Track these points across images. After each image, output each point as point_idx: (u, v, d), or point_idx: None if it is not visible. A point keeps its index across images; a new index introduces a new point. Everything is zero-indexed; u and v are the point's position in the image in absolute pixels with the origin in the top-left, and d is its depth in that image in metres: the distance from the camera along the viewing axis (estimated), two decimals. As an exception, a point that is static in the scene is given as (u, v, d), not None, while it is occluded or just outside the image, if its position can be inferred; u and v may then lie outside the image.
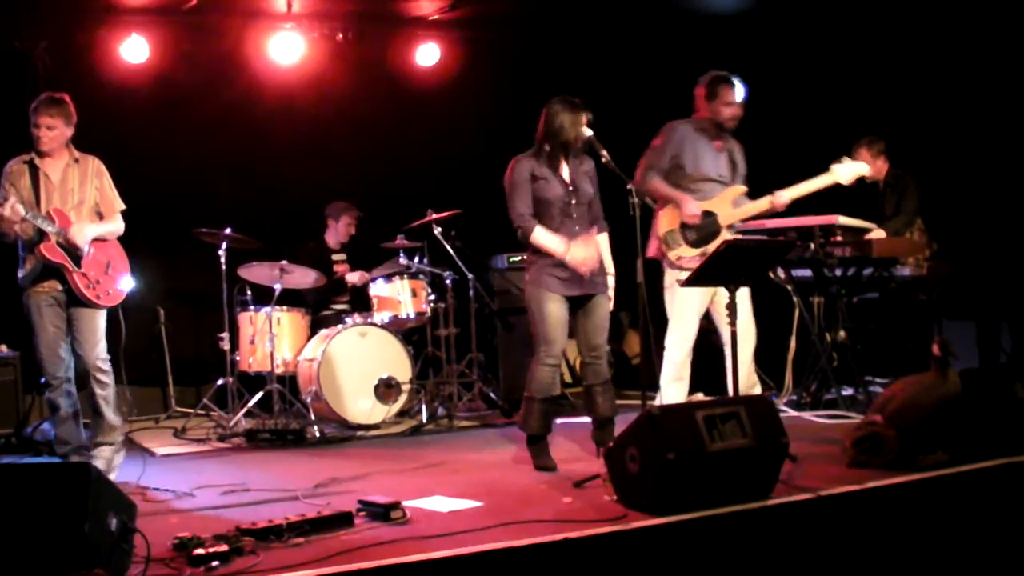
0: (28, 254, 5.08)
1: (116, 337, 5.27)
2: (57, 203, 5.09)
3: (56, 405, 5.13)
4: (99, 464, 4.90)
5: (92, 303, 5.11)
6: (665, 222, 5.75)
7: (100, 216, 5.26)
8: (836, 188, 5.98)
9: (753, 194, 5.82)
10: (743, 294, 5.69)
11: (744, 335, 5.66)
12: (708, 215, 5.68)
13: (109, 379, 5.21)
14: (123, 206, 5.35)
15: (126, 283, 5.28)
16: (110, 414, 5.21)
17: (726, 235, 5.65)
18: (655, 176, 5.73)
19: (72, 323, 5.13)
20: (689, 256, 5.64)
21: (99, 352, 5.18)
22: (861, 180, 7.04)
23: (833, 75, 7.96)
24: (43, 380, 5.22)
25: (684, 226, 5.69)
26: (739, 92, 5.77)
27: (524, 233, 4.96)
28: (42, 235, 5.01)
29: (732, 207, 5.73)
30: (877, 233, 6.47)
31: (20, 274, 5.11)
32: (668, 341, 5.78)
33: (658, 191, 5.71)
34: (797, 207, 6.11)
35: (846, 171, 5.74)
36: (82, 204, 5.16)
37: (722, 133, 5.82)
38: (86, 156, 5.24)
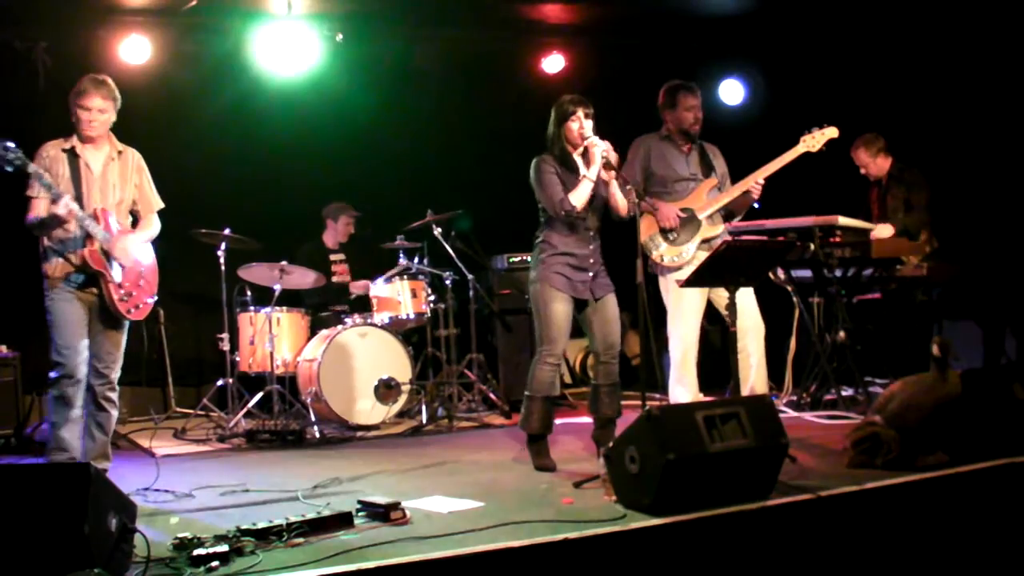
0: (66, 253, 4.66)
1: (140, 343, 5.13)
2: (97, 198, 4.72)
3: (70, 402, 4.62)
4: None
5: (122, 316, 4.75)
6: (644, 228, 5.78)
7: (133, 216, 4.92)
8: (835, 188, 5.98)
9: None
10: (749, 295, 5.70)
11: (753, 335, 5.68)
12: (686, 211, 5.73)
13: (116, 403, 4.85)
14: (161, 205, 5.03)
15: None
16: (108, 443, 4.84)
17: (706, 226, 5.69)
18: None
19: (94, 336, 4.74)
20: (672, 254, 5.68)
21: (115, 372, 4.81)
22: (864, 177, 7.07)
23: (832, 74, 7.97)
24: (55, 375, 4.64)
25: (664, 229, 5.72)
26: (697, 97, 5.83)
27: (569, 209, 4.93)
28: (86, 237, 4.63)
29: (707, 198, 5.76)
30: (884, 229, 6.48)
31: (49, 268, 4.69)
32: (669, 342, 5.82)
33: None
34: (797, 207, 6.11)
35: (815, 140, 5.75)
36: (121, 203, 4.82)
37: (689, 138, 5.87)
38: (126, 148, 4.91)
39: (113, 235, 4.75)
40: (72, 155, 4.71)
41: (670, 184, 5.80)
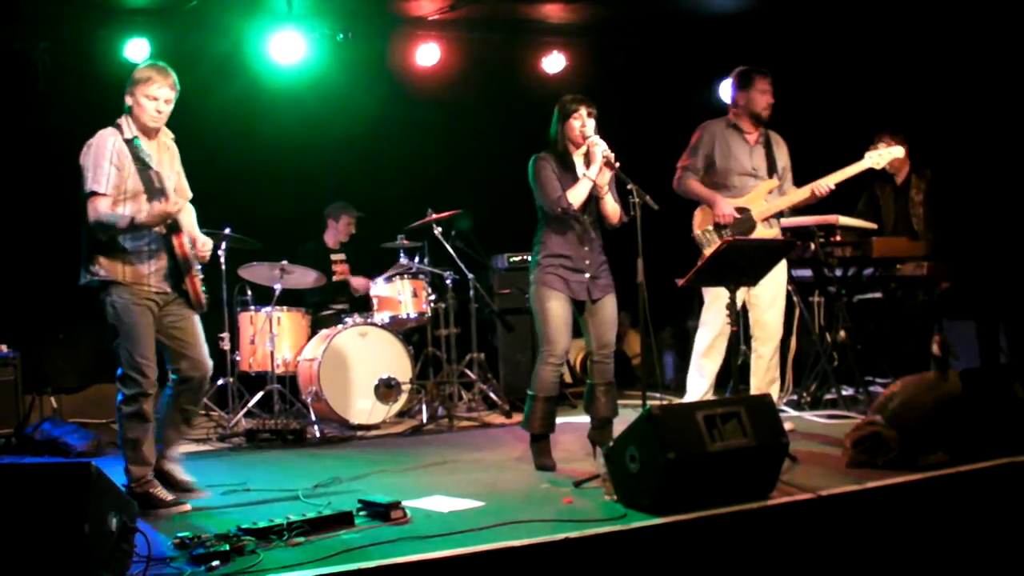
0: (152, 253, 4.37)
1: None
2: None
3: (148, 416, 4.38)
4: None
5: (200, 307, 4.52)
6: (699, 221, 5.77)
7: None
8: (835, 188, 5.97)
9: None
10: (778, 301, 5.70)
11: (763, 340, 5.68)
12: (742, 211, 5.68)
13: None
14: (191, 194, 4.77)
15: None
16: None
17: (762, 228, 5.66)
18: (690, 177, 5.79)
19: (180, 328, 4.45)
20: None
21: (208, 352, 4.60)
22: (864, 175, 7.06)
23: (832, 74, 7.96)
24: (131, 392, 4.33)
25: (719, 224, 5.69)
26: (770, 81, 5.78)
27: (566, 206, 4.90)
28: (172, 230, 4.34)
29: (766, 201, 5.72)
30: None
31: (123, 272, 4.35)
32: (698, 331, 5.84)
33: (693, 192, 5.76)
34: (797, 207, 6.09)
35: (881, 157, 5.76)
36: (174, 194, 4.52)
37: (758, 126, 5.80)
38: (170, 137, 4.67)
39: (196, 241, 4.54)
40: (133, 146, 4.41)
41: (731, 177, 5.73)
